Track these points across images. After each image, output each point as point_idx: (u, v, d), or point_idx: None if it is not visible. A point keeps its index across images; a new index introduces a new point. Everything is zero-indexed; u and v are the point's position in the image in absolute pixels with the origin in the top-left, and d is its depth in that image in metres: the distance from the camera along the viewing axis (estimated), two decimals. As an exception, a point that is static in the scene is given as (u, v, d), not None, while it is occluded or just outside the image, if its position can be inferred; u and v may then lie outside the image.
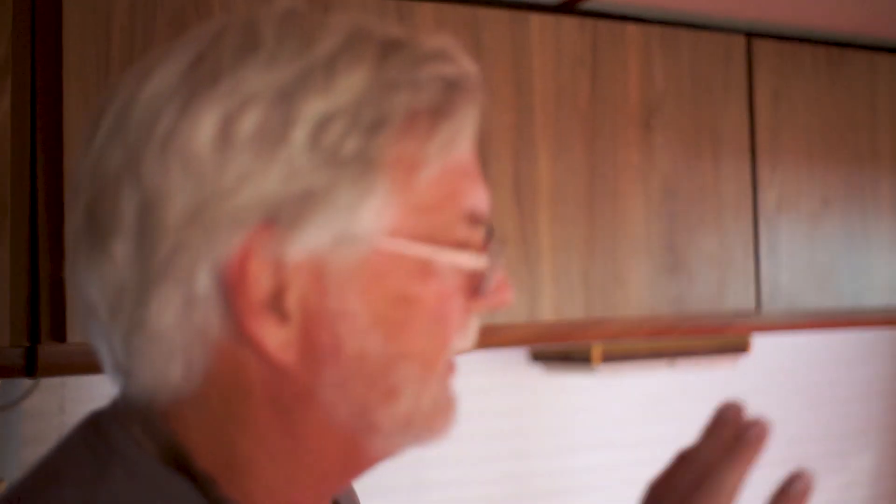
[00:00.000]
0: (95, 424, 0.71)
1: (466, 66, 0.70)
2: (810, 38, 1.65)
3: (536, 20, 1.42)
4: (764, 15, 1.55)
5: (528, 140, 1.41)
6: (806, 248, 1.63)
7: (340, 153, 0.64)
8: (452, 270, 0.69)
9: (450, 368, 0.73)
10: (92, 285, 0.68)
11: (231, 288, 0.65)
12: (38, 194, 1.12)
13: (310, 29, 0.68)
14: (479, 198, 0.71)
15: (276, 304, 0.66)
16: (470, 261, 0.70)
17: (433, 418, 0.71)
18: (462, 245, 0.70)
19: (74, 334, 1.11)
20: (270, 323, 0.66)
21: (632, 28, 1.49)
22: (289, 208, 0.64)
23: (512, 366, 1.74)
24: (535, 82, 1.42)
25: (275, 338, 0.66)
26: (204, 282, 0.65)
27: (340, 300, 0.66)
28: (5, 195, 1.10)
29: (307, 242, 0.65)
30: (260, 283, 0.65)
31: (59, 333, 1.11)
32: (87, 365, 1.11)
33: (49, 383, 1.34)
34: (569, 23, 1.44)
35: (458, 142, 0.69)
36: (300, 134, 0.64)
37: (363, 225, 0.66)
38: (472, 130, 0.70)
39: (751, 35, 1.60)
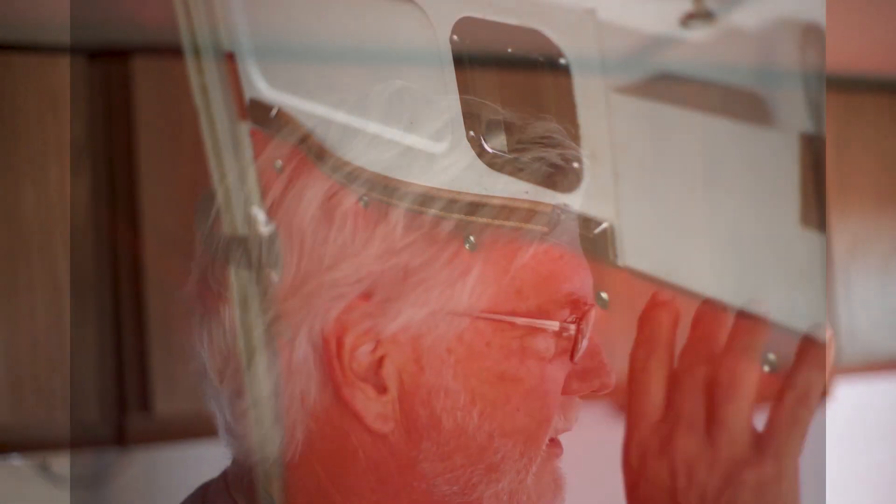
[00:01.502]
0: (203, 495, 0.74)
1: (571, 151, 0.68)
2: (871, 84, 1.66)
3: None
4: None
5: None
6: (880, 291, 1.62)
7: (438, 233, 0.65)
8: (549, 349, 0.68)
9: (555, 447, 0.71)
10: (202, 348, 0.70)
11: (329, 358, 0.66)
12: (118, 272, 1.16)
13: (415, 109, 0.68)
14: (578, 282, 0.69)
15: (374, 376, 0.67)
16: (565, 339, 0.68)
17: (537, 498, 0.69)
18: (561, 326, 0.68)
19: (161, 404, 1.15)
20: (368, 393, 0.66)
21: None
22: (385, 283, 0.65)
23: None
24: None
25: (373, 408, 0.67)
26: (303, 352, 0.66)
27: (437, 376, 0.66)
28: (88, 275, 1.15)
29: (403, 318, 0.66)
30: (357, 354, 0.66)
31: (145, 403, 1.15)
32: (175, 433, 1.15)
33: (139, 458, 1.38)
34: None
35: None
36: (399, 212, 0.65)
37: (459, 303, 0.66)
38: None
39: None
